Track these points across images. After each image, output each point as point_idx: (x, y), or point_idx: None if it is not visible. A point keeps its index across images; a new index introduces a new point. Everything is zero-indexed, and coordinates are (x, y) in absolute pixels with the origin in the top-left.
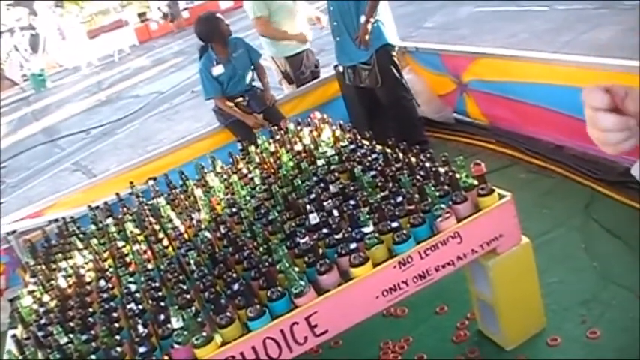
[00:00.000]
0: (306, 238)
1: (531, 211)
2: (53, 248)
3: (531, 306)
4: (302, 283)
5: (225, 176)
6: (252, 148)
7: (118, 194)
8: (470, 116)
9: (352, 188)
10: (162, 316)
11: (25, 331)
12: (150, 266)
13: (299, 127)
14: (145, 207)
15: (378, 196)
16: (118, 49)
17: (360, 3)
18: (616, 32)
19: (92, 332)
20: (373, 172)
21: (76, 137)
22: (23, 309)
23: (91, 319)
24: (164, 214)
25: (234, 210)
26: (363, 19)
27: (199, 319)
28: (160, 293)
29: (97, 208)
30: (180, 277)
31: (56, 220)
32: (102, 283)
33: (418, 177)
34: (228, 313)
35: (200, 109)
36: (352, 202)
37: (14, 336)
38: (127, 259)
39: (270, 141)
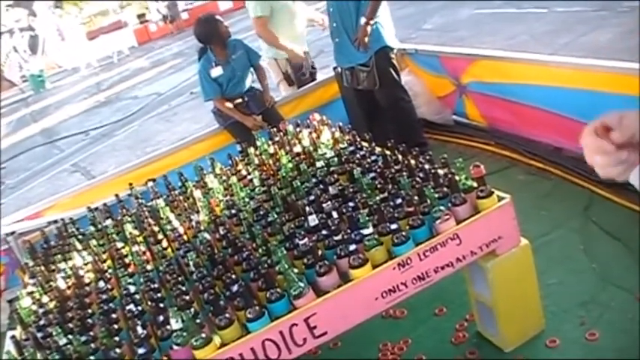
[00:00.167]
0: (306, 239)
1: (530, 212)
2: (52, 249)
3: (530, 308)
4: (301, 284)
5: (224, 178)
6: (251, 150)
7: (117, 195)
8: (469, 118)
9: (351, 190)
10: (161, 318)
11: (24, 332)
12: (149, 267)
13: (298, 129)
14: (144, 208)
15: (378, 198)
16: (117, 50)
17: (360, 4)
18: (615, 34)
19: (91, 333)
20: (372, 174)
21: (74, 138)
22: (22, 310)
23: (90, 320)
24: (163, 216)
25: (233, 211)
26: (362, 20)
27: (198, 321)
28: (159, 294)
29: (96, 209)
30: (180, 278)
31: (55, 222)
32: (101, 284)
33: (417, 179)
34: (227, 315)
35: (199, 111)
36: (351, 204)
37: (13, 337)
38: (126, 260)
39: (270, 142)
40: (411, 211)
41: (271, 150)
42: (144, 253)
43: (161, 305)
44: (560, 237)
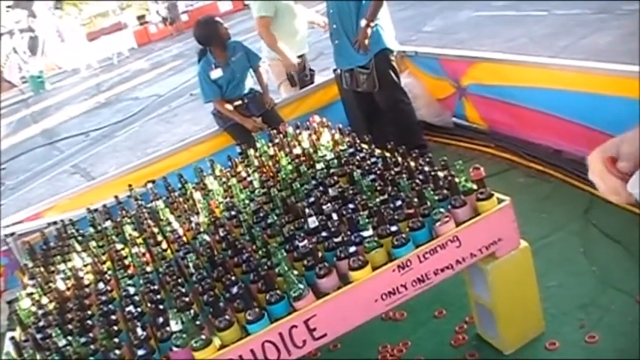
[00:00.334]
0: (305, 241)
1: (530, 215)
2: (52, 250)
3: (530, 310)
4: (301, 286)
5: (224, 179)
6: (251, 152)
7: (116, 197)
8: (469, 120)
9: (351, 192)
10: (161, 319)
11: (23, 333)
12: (149, 269)
13: (298, 131)
14: (144, 210)
15: (377, 200)
16: (117, 51)
17: (360, 6)
18: (615, 37)
19: (91, 335)
20: (372, 176)
21: (74, 140)
22: (22, 311)
23: (89, 321)
24: (163, 217)
25: (233, 213)
26: (363, 22)
27: (198, 322)
28: (158, 296)
29: (96, 210)
30: (179, 280)
31: (55, 223)
32: (101, 285)
33: (417, 181)
34: (227, 316)
35: (199, 112)
36: (351, 206)
37: (12, 338)
38: (126, 261)
39: (270, 144)
40: (410, 213)
41: (271, 152)
42: (143, 254)
43: (161, 307)
44: (559, 239)
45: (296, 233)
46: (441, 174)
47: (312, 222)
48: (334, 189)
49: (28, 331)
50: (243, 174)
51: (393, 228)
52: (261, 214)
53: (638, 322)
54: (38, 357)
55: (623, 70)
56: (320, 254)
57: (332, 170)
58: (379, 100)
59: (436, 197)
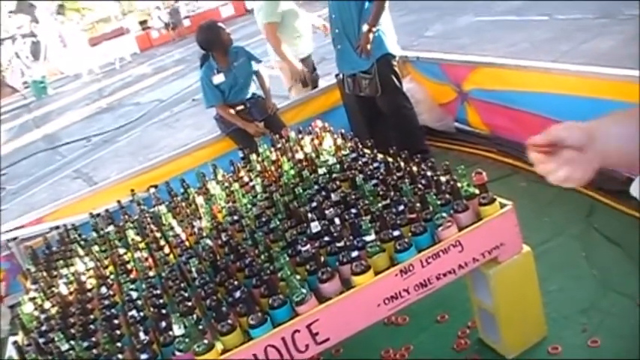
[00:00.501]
0: (308, 246)
1: (532, 219)
2: (54, 255)
3: (532, 315)
4: (303, 291)
5: (226, 184)
6: (253, 156)
7: (119, 201)
8: (471, 125)
9: (353, 196)
10: (163, 324)
11: (26, 337)
12: (151, 273)
13: (300, 136)
14: (147, 214)
15: (380, 205)
16: (119, 56)
17: (362, 11)
18: (616, 42)
19: (93, 339)
20: (375, 181)
21: (76, 144)
22: (24, 316)
23: (92, 326)
24: (165, 222)
25: (235, 218)
26: (365, 27)
27: (201, 327)
28: (161, 301)
29: (99, 215)
30: (182, 284)
31: (57, 227)
32: (103, 290)
33: (419, 185)
34: (229, 321)
35: (201, 117)
36: (354, 211)
37: (15, 343)
38: (128, 266)
39: (272, 149)
40: (413, 217)
41: (273, 156)
42: (146, 259)
43: (163, 311)
44: (561, 244)
45: (298, 238)
46: (443, 178)
47: (315, 227)
48: (336, 194)
49: (30, 336)
50: (246, 179)
51: (396, 233)
52: (264, 219)
53: (639, 325)
54: None
55: (625, 74)
56: (322, 259)
57: (334, 175)
58: (381, 104)
59: (438, 202)
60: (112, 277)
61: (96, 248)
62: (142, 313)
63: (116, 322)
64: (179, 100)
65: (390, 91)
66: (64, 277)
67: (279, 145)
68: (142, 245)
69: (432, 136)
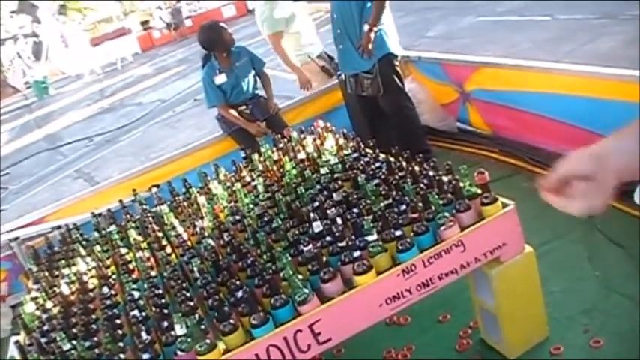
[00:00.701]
0: (310, 246)
1: (534, 220)
2: (56, 255)
3: (534, 315)
4: (305, 290)
5: (228, 184)
6: (255, 156)
7: (121, 201)
8: (472, 125)
9: (356, 196)
10: (165, 323)
11: (27, 337)
12: (153, 273)
13: (302, 136)
14: (149, 214)
15: (382, 205)
16: (120, 56)
17: (363, 11)
18: (617, 42)
19: (95, 339)
20: (377, 181)
21: (78, 144)
22: (26, 315)
23: (94, 325)
24: (167, 222)
25: (237, 218)
26: (366, 27)
27: (202, 327)
28: (163, 300)
29: (100, 215)
30: (184, 284)
31: (59, 227)
32: (105, 289)
33: (422, 185)
34: (231, 321)
35: (203, 117)
36: (356, 211)
37: (17, 342)
38: (130, 266)
39: (274, 149)
40: (415, 217)
41: (275, 156)
42: (148, 258)
43: (165, 311)
44: (563, 244)
45: (300, 238)
46: (445, 178)
47: (317, 226)
48: (338, 193)
49: (32, 335)
50: (248, 179)
51: (398, 232)
52: (266, 219)
53: None
54: None
55: (626, 74)
56: (324, 259)
57: (336, 175)
58: (383, 104)
59: (440, 202)
60: (113, 276)
61: (98, 248)
62: (143, 313)
63: (118, 321)
64: (181, 100)
65: (392, 91)
66: (66, 276)
67: (281, 145)
68: (143, 245)
69: (433, 136)
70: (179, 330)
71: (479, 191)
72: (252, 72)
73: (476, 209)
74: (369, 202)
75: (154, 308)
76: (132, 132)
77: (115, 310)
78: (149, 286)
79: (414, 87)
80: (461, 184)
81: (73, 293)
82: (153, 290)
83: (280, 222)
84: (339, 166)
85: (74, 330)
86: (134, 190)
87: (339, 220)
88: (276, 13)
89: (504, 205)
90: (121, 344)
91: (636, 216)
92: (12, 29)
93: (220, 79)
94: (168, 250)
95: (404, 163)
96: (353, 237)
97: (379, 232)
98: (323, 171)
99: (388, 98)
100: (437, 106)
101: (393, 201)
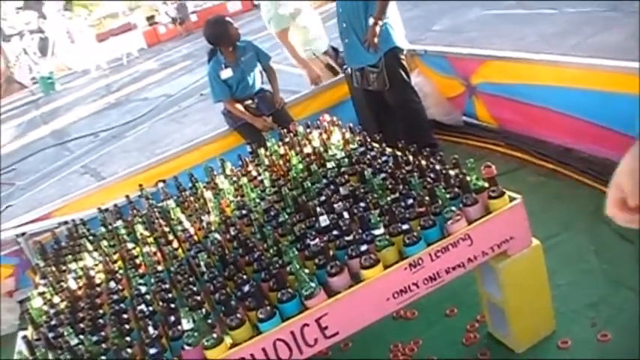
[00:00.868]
0: (317, 240)
1: (541, 213)
2: (63, 250)
3: (541, 308)
4: (312, 284)
5: (234, 178)
6: (261, 151)
7: (127, 196)
8: (479, 119)
9: (362, 190)
10: (172, 318)
11: (35, 332)
12: (160, 268)
13: (308, 130)
14: (155, 209)
15: (389, 199)
16: (126, 52)
17: (368, 4)
18: (625, 35)
19: (102, 334)
20: (383, 175)
21: (84, 140)
22: (33, 310)
23: (101, 320)
24: (174, 217)
25: (244, 212)
26: (371, 21)
27: (210, 321)
28: (170, 295)
29: (107, 210)
30: (191, 278)
31: (66, 222)
32: (112, 284)
33: (428, 179)
34: (238, 315)
35: (209, 112)
36: (362, 205)
37: (25, 337)
38: (137, 261)
39: (280, 143)
40: (422, 211)
41: (281, 151)
42: (155, 253)
43: (172, 306)
44: (570, 238)
45: (307, 232)
46: (452, 172)
47: (324, 220)
48: (345, 187)
49: (40, 330)
50: (254, 173)
51: (405, 226)
52: (272, 213)
53: None
54: (50, 356)
55: (633, 67)
56: (331, 253)
57: (343, 169)
58: (389, 98)
59: (447, 195)
60: (120, 271)
61: (104, 243)
62: (150, 308)
63: (125, 316)
64: (187, 95)
65: (398, 85)
66: (73, 271)
67: (287, 140)
68: (150, 240)
69: (440, 129)
70: (186, 325)
71: (486, 185)
72: (258, 66)
73: (483, 203)
74: (375, 196)
75: (160, 303)
76: (138, 127)
77: (122, 305)
78: (156, 280)
79: (420, 81)
80: (468, 178)
81: (80, 288)
82: (160, 285)
83: (287, 216)
84: (346, 160)
85: (81, 325)
86: (140, 185)
87: (345, 214)
88: (281, 10)
89: (511, 199)
90: (128, 339)
91: None
92: (18, 25)
93: (226, 73)
94: (175, 244)
95: (410, 157)
96: (360, 231)
97: (386, 226)
98: (329, 165)
99: (394, 92)
100: (443, 100)
101: (399, 195)
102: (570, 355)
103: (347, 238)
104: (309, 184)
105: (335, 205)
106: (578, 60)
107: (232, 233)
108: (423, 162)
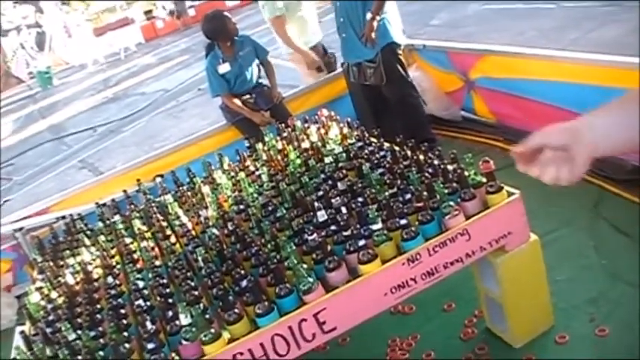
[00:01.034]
0: (315, 235)
1: (539, 209)
2: (61, 245)
3: (540, 304)
4: (310, 280)
5: (232, 173)
6: (259, 146)
7: (125, 191)
8: (477, 114)
9: (360, 185)
10: (170, 313)
11: (33, 327)
12: (158, 263)
13: (306, 125)
14: (153, 204)
15: (387, 194)
16: (124, 46)
17: None
18: (624, 30)
19: (100, 329)
20: (381, 170)
21: (82, 135)
22: (31, 305)
23: (99, 315)
24: (172, 211)
25: (241, 207)
26: (369, 16)
27: (207, 316)
28: (167, 290)
29: (105, 205)
30: (188, 273)
31: (63, 217)
32: (110, 279)
33: (426, 174)
34: (236, 310)
35: (206, 107)
36: (360, 199)
37: (22, 332)
38: (135, 255)
39: (278, 138)
40: (420, 206)
41: (279, 146)
42: (152, 248)
43: (170, 300)
44: (569, 233)
45: (305, 227)
46: (450, 167)
47: (321, 215)
48: (343, 182)
49: (37, 325)
50: (252, 168)
51: (403, 221)
52: (270, 208)
53: None
54: (48, 351)
55: (632, 62)
56: (329, 248)
57: (341, 164)
58: (387, 93)
59: (445, 190)
60: (118, 266)
61: (102, 238)
62: (148, 303)
63: (123, 311)
64: (184, 89)
65: (395, 80)
66: (71, 266)
67: (285, 134)
68: (148, 235)
69: (438, 124)
70: (184, 319)
71: (484, 180)
72: (256, 61)
73: (481, 198)
74: (373, 190)
75: (158, 298)
76: (136, 122)
77: (119, 300)
78: (154, 275)
79: (419, 75)
80: (466, 173)
81: (77, 283)
82: (157, 280)
83: (285, 211)
84: (344, 155)
85: (79, 320)
86: (138, 180)
87: (343, 209)
88: None
89: (509, 194)
90: (125, 334)
91: None
92: (15, 19)
93: (224, 68)
94: (173, 239)
95: (408, 152)
96: (358, 226)
97: (384, 221)
98: (327, 160)
99: (391, 87)
100: (441, 95)
101: (397, 190)
102: (568, 350)
103: (345, 233)
104: (307, 179)
105: (333, 200)
106: (578, 55)
107: (230, 228)
108: (421, 157)
